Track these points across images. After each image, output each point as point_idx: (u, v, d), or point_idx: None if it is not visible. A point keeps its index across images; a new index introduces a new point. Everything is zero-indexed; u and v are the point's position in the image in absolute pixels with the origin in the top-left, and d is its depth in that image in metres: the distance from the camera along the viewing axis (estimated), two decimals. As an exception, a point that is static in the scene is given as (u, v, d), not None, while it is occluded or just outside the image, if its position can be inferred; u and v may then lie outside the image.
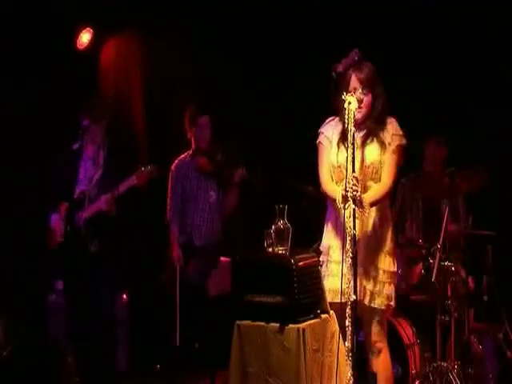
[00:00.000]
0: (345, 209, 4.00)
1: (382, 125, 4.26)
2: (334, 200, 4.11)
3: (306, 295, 3.90)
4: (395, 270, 4.31)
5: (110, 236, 5.51)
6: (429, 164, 5.96)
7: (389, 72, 4.36)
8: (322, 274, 4.22)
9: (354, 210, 3.95)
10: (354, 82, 4.22)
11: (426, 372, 5.13)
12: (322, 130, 4.38)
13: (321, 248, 4.34)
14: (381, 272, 4.24)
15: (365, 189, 4.18)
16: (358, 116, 4.11)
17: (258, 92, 6.73)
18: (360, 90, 4.19)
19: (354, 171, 3.97)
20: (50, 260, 5.55)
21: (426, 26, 6.24)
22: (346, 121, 4.02)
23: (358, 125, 4.16)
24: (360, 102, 4.10)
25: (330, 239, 4.32)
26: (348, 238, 3.95)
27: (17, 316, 5.67)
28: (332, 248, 4.28)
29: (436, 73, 6.27)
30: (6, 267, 5.85)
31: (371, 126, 4.25)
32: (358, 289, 4.07)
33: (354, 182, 3.95)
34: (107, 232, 5.49)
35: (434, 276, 5.13)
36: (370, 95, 4.23)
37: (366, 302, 4.20)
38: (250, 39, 6.68)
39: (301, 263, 3.92)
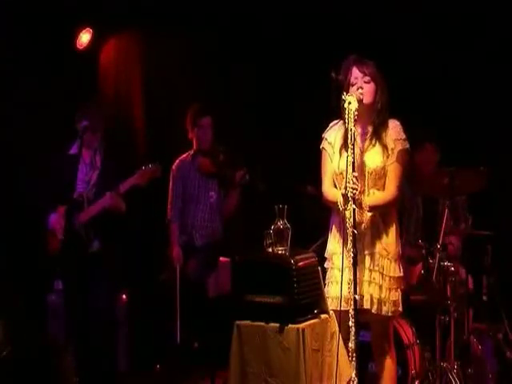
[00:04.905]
0: (346, 209, 4.00)
1: (384, 123, 4.23)
2: (336, 203, 4.10)
3: (305, 295, 3.90)
4: (401, 274, 4.26)
5: (111, 235, 5.52)
6: (426, 169, 5.91)
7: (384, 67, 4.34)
8: (326, 280, 4.22)
9: (354, 209, 3.95)
10: (355, 72, 4.18)
11: (426, 372, 5.14)
12: (325, 135, 4.34)
13: (325, 254, 4.33)
14: (387, 279, 4.20)
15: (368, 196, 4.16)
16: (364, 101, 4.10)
17: (258, 92, 6.73)
18: (361, 81, 4.17)
19: (354, 171, 3.97)
20: (50, 260, 5.55)
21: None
22: (346, 121, 4.02)
23: (363, 121, 4.15)
24: (360, 101, 4.08)
25: (333, 246, 4.29)
26: (349, 239, 3.96)
27: (17, 316, 5.66)
28: (335, 255, 4.24)
29: (435, 74, 6.28)
30: (6, 267, 5.84)
31: (375, 122, 4.21)
32: (364, 298, 4.12)
33: (354, 181, 3.95)
34: (109, 231, 5.49)
35: (433, 276, 5.14)
36: (372, 84, 4.19)
37: (374, 310, 4.17)
38: (251, 39, 6.68)
39: (300, 263, 3.91)
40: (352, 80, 4.19)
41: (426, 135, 5.90)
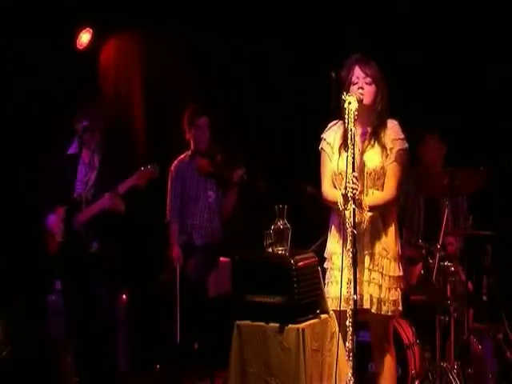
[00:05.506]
0: (346, 209, 4.00)
1: (383, 124, 4.24)
2: (336, 203, 4.10)
3: (305, 295, 3.90)
4: (401, 274, 4.26)
5: (111, 235, 5.52)
6: (429, 163, 5.89)
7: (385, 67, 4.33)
8: (326, 280, 4.22)
9: (354, 209, 3.95)
10: (357, 72, 4.18)
11: (426, 372, 5.14)
12: (324, 135, 4.34)
13: (325, 255, 4.33)
14: (387, 278, 4.19)
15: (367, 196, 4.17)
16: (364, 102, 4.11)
17: (258, 92, 6.74)
18: (363, 81, 4.17)
19: (353, 170, 3.97)
20: (50, 260, 5.55)
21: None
22: (346, 120, 4.02)
23: (363, 121, 4.16)
24: (360, 101, 4.08)
25: (333, 246, 4.28)
26: (349, 239, 3.96)
27: (17, 316, 5.66)
28: (335, 255, 4.24)
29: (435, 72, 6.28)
30: (6, 267, 5.85)
31: (374, 123, 4.21)
32: (364, 297, 4.12)
33: (354, 181, 3.96)
34: (108, 231, 5.49)
35: (433, 276, 5.14)
36: (373, 86, 4.19)
37: (374, 310, 4.17)
38: (250, 39, 6.68)
39: (300, 263, 3.92)
40: (353, 79, 4.19)
41: (427, 129, 5.90)
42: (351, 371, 3.91)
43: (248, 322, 3.95)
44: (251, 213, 6.21)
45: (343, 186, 4.03)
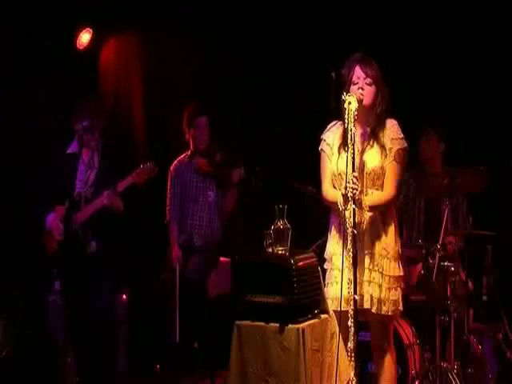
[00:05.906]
0: (346, 209, 4.00)
1: (382, 124, 4.24)
2: (335, 203, 4.10)
3: (305, 295, 3.90)
4: (401, 274, 4.26)
5: (110, 235, 5.51)
6: (428, 160, 5.88)
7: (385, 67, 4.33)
8: (326, 281, 4.22)
9: (354, 209, 3.95)
10: (358, 72, 4.18)
11: (426, 372, 5.14)
12: (323, 136, 4.35)
13: (325, 256, 4.33)
14: (387, 278, 4.20)
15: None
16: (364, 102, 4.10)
17: (258, 92, 6.74)
18: (363, 82, 4.17)
19: (354, 170, 3.97)
20: (49, 260, 5.55)
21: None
22: (346, 121, 4.02)
23: (362, 121, 4.16)
24: (360, 101, 4.08)
25: (333, 246, 4.29)
26: (349, 238, 3.96)
27: (17, 316, 5.66)
28: (335, 255, 4.24)
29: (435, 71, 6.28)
30: (6, 267, 5.85)
31: (373, 124, 4.21)
32: (364, 298, 4.12)
33: (354, 180, 3.95)
34: (107, 231, 5.49)
35: (433, 276, 5.14)
36: (373, 87, 4.19)
37: (374, 310, 4.17)
38: (250, 39, 6.69)
39: (300, 263, 3.92)
40: (354, 79, 4.19)
41: (426, 127, 5.89)
42: (353, 371, 3.90)
43: (248, 322, 3.95)
44: (251, 213, 6.21)
45: (343, 186, 4.03)
